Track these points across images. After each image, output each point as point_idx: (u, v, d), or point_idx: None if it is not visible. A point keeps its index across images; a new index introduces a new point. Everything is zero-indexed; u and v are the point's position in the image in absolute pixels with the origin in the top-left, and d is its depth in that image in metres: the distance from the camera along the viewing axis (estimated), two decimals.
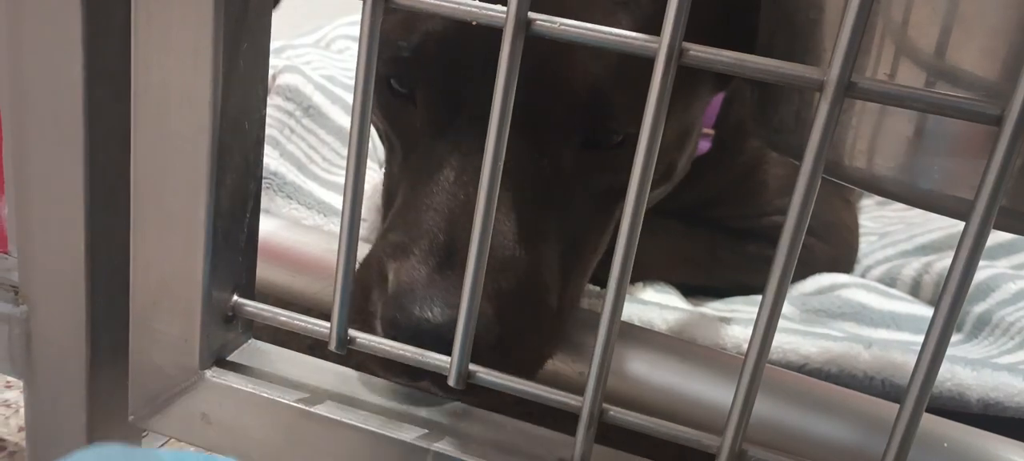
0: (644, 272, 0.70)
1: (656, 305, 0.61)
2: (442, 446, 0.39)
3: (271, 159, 0.74)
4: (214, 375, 0.41)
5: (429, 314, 0.40)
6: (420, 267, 0.42)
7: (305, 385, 0.42)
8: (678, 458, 0.43)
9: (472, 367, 0.37)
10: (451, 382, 0.37)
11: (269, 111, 0.81)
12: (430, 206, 0.44)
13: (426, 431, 0.40)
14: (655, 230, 0.68)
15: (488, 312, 0.41)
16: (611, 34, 0.31)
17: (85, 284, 0.43)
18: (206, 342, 0.41)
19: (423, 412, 0.41)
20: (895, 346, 0.55)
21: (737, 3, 0.46)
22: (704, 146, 0.65)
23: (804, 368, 0.53)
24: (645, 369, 0.46)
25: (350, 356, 0.39)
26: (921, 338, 0.30)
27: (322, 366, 0.44)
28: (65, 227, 0.42)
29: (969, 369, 0.52)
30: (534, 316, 0.45)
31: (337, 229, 0.36)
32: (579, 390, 0.35)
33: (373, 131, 0.61)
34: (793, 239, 0.30)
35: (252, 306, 0.42)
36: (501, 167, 0.33)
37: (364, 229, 0.66)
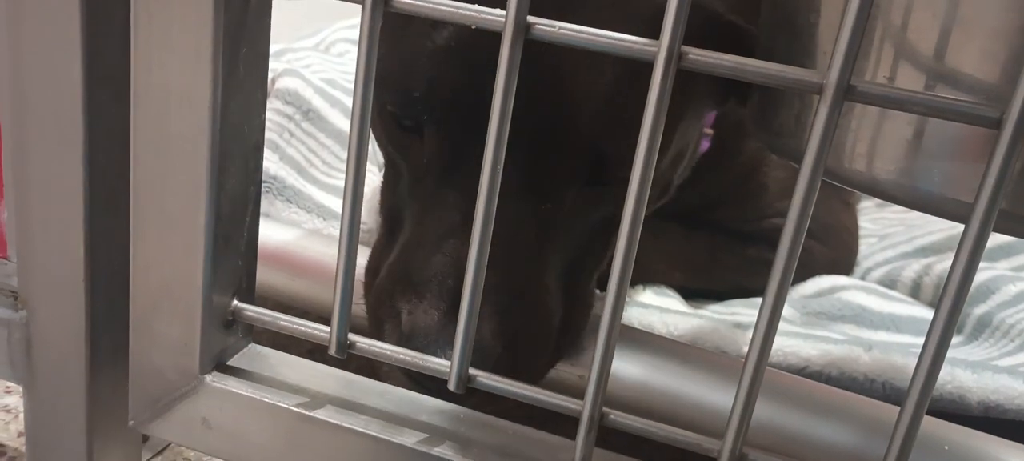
0: (644, 275, 0.70)
1: (656, 308, 0.61)
2: (443, 450, 0.39)
3: (271, 163, 0.74)
4: (214, 379, 0.41)
5: (444, 358, 0.41)
6: (432, 311, 0.43)
7: (305, 389, 0.42)
8: None
9: (472, 371, 0.37)
10: (451, 386, 0.37)
11: (269, 115, 0.81)
12: (439, 249, 0.45)
13: (427, 435, 0.40)
14: (655, 233, 0.68)
15: (497, 350, 0.43)
16: (610, 38, 0.31)
17: (85, 288, 0.43)
18: (206, 346, 0.41)
19: (424, 416, 0.41)
20: (895, 348, 0.55)
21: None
22: (703, 146, 0.65)
23: (804, 371, 0.53)
24: (645, 373, 0.46)
25: (350, 360, 0.39)
26: (921, 340, 0.30)
27: (322, 370, 0.43)
28: (65, 231, 0.42)
29: (970, 371, 0.52)
30: (536, 340, 0.46)
31: (337, 233, 0.36)
32: (579, 394, 0.35)
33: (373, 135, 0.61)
34: (793, 242, 0.30)
35: (252, 310, 0.41)
36: (500, 172, 0.33)
37: (363, 233, 0.66)
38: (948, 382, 0.51)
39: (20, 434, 0.63)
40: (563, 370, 0.48)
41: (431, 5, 0.33)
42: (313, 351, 0.44)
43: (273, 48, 0.40)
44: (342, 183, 0.36)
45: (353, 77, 0.34)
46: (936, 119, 0.33)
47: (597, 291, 0.59)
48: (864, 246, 0.87)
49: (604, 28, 0.31)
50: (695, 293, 0.73)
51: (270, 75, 0.75)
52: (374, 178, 0.78)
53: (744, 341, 0.55)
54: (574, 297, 0.49)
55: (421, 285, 0.45)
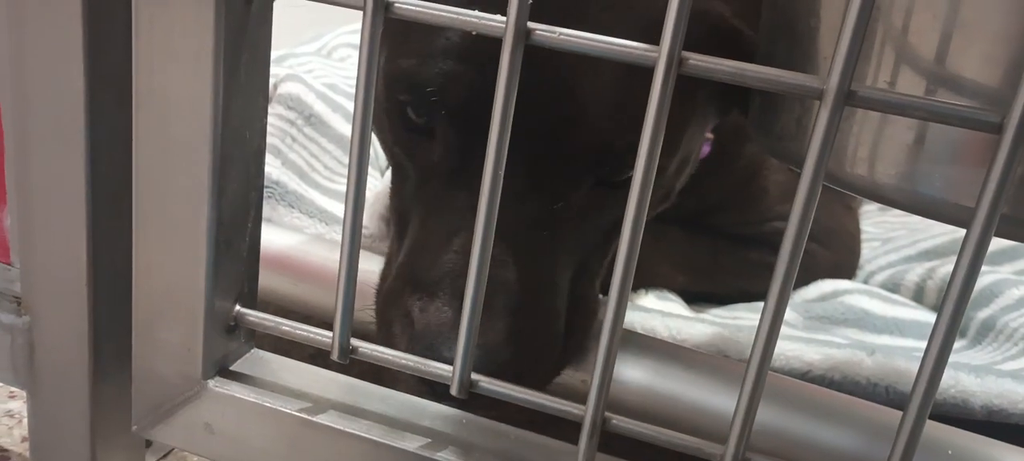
0: (646, 279, 0.70)
1: (658, 312, 0.61)
2: (445, 455, 0.39)
3: (273, 168, 0.74)
4: (217, 385, 0.41)
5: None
6: (445, 310, 0.43)
7: (308, 394, 0.42)
8: None
9: (475, 376, 0.37)
10: (453, 391, 0.37)
11: (271, 120, 0.81)
12: (451, 248, 0.45)
13: (429, 440, 0.40)
14: (657, 237, 0.68)
15: (506, 352, 0.43)
16: (610, 43, 0.31)
17: (87, 294, 0.43)
18: (209, 351, 0.41)
19: (426, 421, 0.41)
20: (898, 352, 0.55)
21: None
22: (703, 151, 0.65)
23: (807, 375, 0.53)
24: (648, 377, 0.46)
25: (353, 365, 0.39)
26: (924, 344, 0.30)
27: (324, 375, 0.44)
28: (67, 237, 0.42)
29: (973, 376, 0.52)
30: (544, 341, 0.46)
31: (339, 238, 0.36)
32: (582, 399, 0.35)
33: (374, 138, 0.61)
34: (795, 245, 0.30)
35: (254, 315, 0.42)
36: (501, 177, 0.33)
37: (365, 238, 0.66)
38: (951, 386, 0.51)
39: (24, 439, 0.63)
40: (566, 375, 0.48)
41: (432, 11, 0.33)
42: (315, 356, 0.44)
43: (275, 53, 0.40)
44: (344, 188, 0.36)
45: (355, 82, 0.34)
46: (937, 124, 0.33)
47: (599, 295, 0.59)
48: (867, 250, 0.87)
49: (605, 33, 0.31)
50: (697, 297, 0.73)
51: (272, 80, 0.75)
52: (375, 183, 0.78)
53: (747, 345, 0.55)
54: (579, 301, 0.49)
55: (432, 284, 0.44)
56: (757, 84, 0.30)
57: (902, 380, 0.52)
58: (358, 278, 0.37)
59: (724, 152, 0.68)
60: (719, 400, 0.44)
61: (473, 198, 0.45)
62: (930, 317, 0.70)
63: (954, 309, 0.29)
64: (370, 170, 0.37)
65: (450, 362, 0.38)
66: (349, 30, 1.27)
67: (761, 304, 0.31)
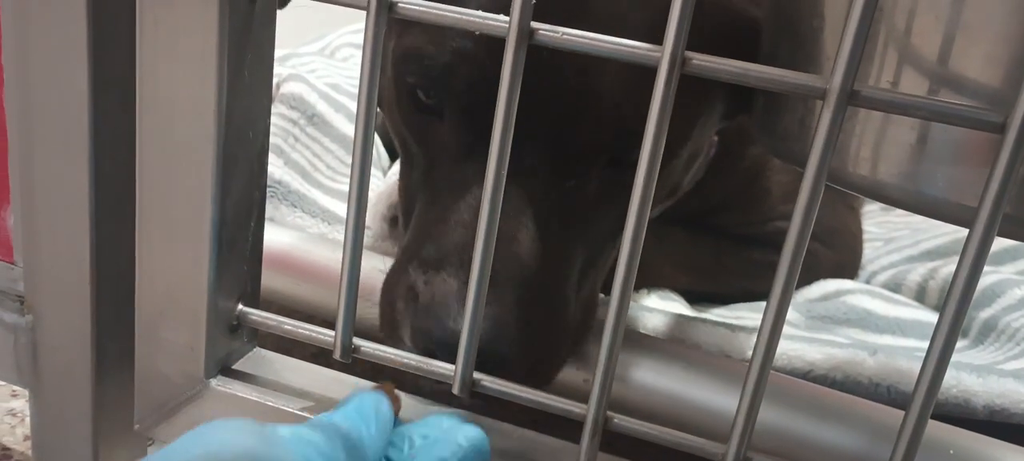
0: (648, 279, 0.70)
1: (660, 312, 0.61)
2: None
3: (275, 167, 0.75)
4: (219, 384, 0.41)
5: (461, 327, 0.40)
6: (451, 281, 0.42)
7: (310, 393, 0.42)
8: None
9: (477, 375, 0.37)
10: (455, 390, 0.37)
11: (273, 119, 0.81)
12: (460, 222, 0.44)
13: None
14: (659, 237, 0.68)
15: (512, 329, 0.42)
16: (614, 43, 0.31)
17: (91, 293, 0.43)
18: (211, 351, 0.41)
19: None
20: (900, 352, 0.55)
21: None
22: None
23: (809, 375, 0.53)
24: (650, 376, 0.46)
25: (355, 364, 0.39)
26: (927, 344, 0.30)
27: (327, 375, 0.44)
28: (71, 237, 0.42)
29: (975, 375, 0.52)
30: (553, 323, 0.45)
31: (341, 237, 0.36)
32: (584, 398, 0.35)
33: (377, 139, 0.61)
34: (797, 245, 0.30)
35: (257, 315, 0.42)
36: (504, 175, 0.33)
37: (368, 237, 0.66)
38: (953, 386, 0.51)
39: (26, 438, 0.63)
40: (568, 373, 0.48)
41: (436, 11, 0.33)
42: (318, 355, 0.44)
43: (278, 53, 0.40)
44: (346, 187, 0.36)
45: (358, 82, 0.34)
46: (940, 124, 0.33)
47: (601, 295, 0.59)
48: (869, 249, 0.87)
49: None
50: (700, 297, 0.73)
51: (275, 80, 0.75)
52: (378, 183, 0.78)
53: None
54: (583, 293, 0.49)
55: (437, 259, 0.44)
56: (761, 84, 0.30)
57: (904, 380, 0.52)
58: (360, 277, 0.37)
59: (728, 153, 0.68)
60: (721, 399, 0.44)
61: (480, 176, 0.45)
62: (932, 317, 0.70)
63: (956, 309, 0.29)
64: (372, 170, 0.37)
65: (455, 333, 0.38)
66: (352, 30, 1.27)
67: (763, 303, 0.31)
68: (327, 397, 0.42)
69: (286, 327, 0.40)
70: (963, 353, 0.65)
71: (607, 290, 0.36)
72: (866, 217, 0.93)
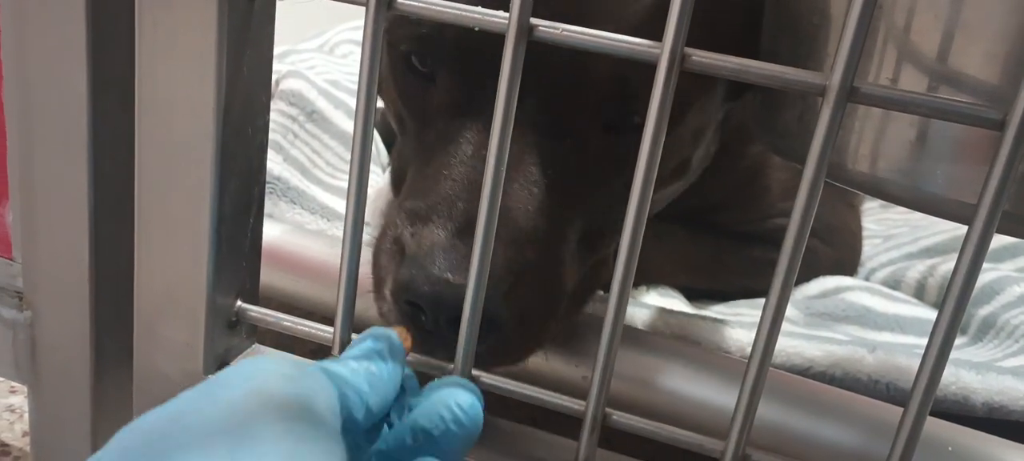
0: (648, 276, 0.70)
1: (660, 309, 0.61)
2: None
3: (275, 164, 0.75)
4: None
5: (450, 275, 0.39)
6: (439, 232, 0.41)
7: None
8: None
9: (475, 372, 0.37)
10: None
11: (273, 116, 0.81)
12: (449, 176, 0.43)
13: None
14: (659, 235, 0.68)
15: (504, 276, 0.40)
16: (614, 39, 0.31)
17: (89, 290, 0.43)
18: (210, 347, 0.41)
19: None
20: (899, 349, 0.55)
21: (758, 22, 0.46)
22: None
23: (808, 372, 0.53)
24: (648, 373, 0.46)
25: None
26: (926, 341, 0.30)
27: None
28: (70, 233, 0.42)
29: (974, 372, 0.52)
30: (547, 286, 0.44)
31: (341, 234, 0.36)
32: (582, 394, 0.35)
33: (377, 135, 0.61)
34: (796, 242, 0.30)
35: (256, 311, 0.42)
36: (504, 169, 0.33)
37: (367, 234, 0.66)
38: (952, 383, 0.51)
39: (25, 434, 0.63)
40: (566, 370, 0.48)
41: (435, 7, 0.33)
42: (317, 352, 0.44)
43: (277, 50, 0.40)
44: (346, 184, 0.36)
45: (357, 78, 0.34)
46: (939, 121, 0.33)
47: (600, 292, 0.59)
48: (868, 247, 0.87)
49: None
50: (699, 294, 0.73)
51: (274, 76, 0.75)
52: (377, 179, 0.78)
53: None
54: (584, 266, 0.48)
55: (426, 211, 0.42)
56: (761, 80, 0.30)
57: (903, 377, 0.52)
58: (359, 274, 0.37)
59: (727, 152, 0.68)
60: (720, 396, 0.44)
61: (475, 133, 0.44)
62: (931, 314, 0.70)
63: (955, 306, 0.29)
64: (372, 166, 0.37)
65: (444, 283, 0.37)
66: (351, 26, 1.27)
67: (762, 300, 0.31)
68: None
69: (285, 323, 0.40)
70: (962, 350, 0.65)
71: (606, 287, 0.36)
72: (865, 214, 0.93)
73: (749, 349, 0.33)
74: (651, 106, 0.30)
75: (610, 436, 0.36)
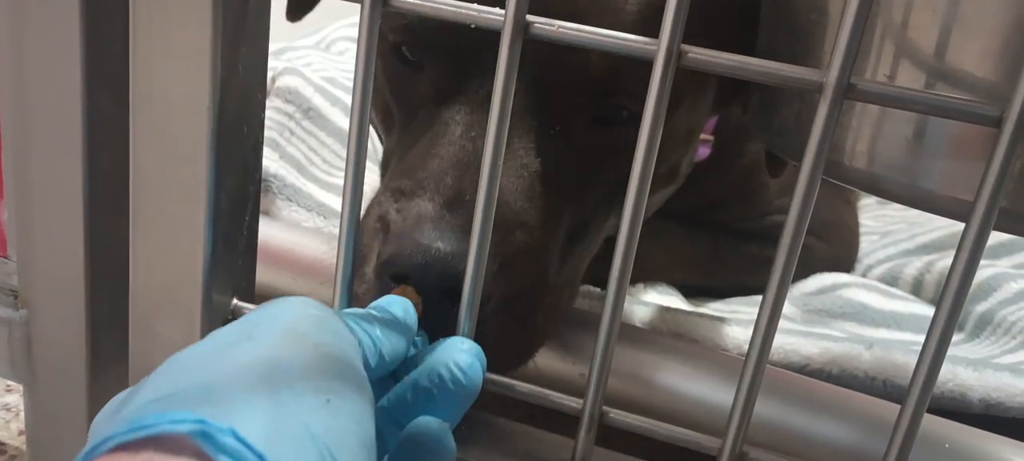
0: (645, 274, 0.70)
1: (657, 306, 0.61)
2: None
3: (271, 161, 0.74)
4: None
5: (440, 244, 0.38)
6: (427, 204, 0.40)
7: None
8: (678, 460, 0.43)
9: None
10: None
11: (269, 113, 0.81)
12: (436, 154, 0.43)
13: None
14: (656, 232, 0.68)
15: (493, 255, 0.39)
16: (610, 36, 0.31)
17: (85, 288, 0.43)
18: None
19: None
20: (896, 346, 0.55)
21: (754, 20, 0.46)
22: (703, 151, 0.65)
23: (805, 369, 0.53)
24: (646, 371, 0.46)
25: None
26: (923, 338, 0.30)
27: None
28: (65, 231, 0.42)
29: (971, 369, 0.52)
30: (534, 272, 0.44)
31: (337, 231, 0.36)
32: (579, 392, 0.35)
33: (372, 132, 0.61)
34: (793, 239, 0.30)
35: (252, 309, 0.41)
36: (500, 163, 0.33)
37: None
38: (949, 380, 0.51)
39: (21, 433, 0.63)
40: (563, 367, 0.48)
41: (430, 5, 0.33)
42: None
43: (273, 46, 0.40)
44: (342, 181, 0.36)
45: (353, 75, 0.34)
46: (936, 118, 0.33)
47: (598, 289, 0.59)
48: (865, 243, 0.87)
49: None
50: (697, 291, 0.73)
51: (270, 73, 0.75)
52: (374, 177, 0.78)
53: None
54: (571, 259, 0.47)
55: (411, 188, 0.42)
56: (758, 77, 0.30)
57: (900, 374, 0.52)
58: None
59: (724, 149, 0.68)
60: (717, 394, 0.44)
61: (463, 116, 0.44)
62: (928, 311, 0.70)
63: (952, 303, 0.29)
64: (368, 164, 0.37)
65: (434, 250, 0.37)
66: (347, 23, 1.27)
67: (759, 297, 0.31)
68: None
69: None
70: (959, 347, 0.65)
71: (603, 284, 0.36)
72: (862, 211, 0.93)
73: (746, 346, 0.33)
74: (647, 103, 0.30)
75: (607, 434, 0.36)
